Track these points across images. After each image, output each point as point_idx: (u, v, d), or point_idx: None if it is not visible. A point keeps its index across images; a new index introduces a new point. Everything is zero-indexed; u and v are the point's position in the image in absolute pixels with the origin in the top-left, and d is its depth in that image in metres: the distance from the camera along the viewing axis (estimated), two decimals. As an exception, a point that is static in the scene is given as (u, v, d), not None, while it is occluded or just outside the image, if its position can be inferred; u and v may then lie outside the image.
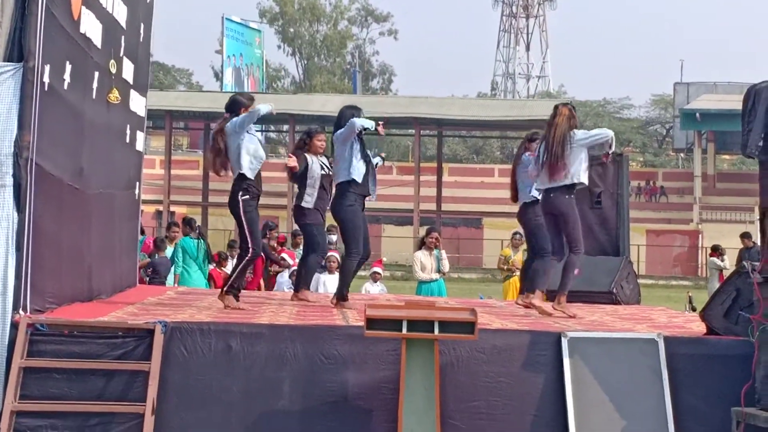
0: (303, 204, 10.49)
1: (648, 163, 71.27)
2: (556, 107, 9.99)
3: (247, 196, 9.19)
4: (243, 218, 9.16)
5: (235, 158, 9.19)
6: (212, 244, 16.84)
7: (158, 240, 15.74)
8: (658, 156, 74.77)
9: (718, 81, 60.83)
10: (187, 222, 16.11)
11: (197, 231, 15.61)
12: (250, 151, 9.17)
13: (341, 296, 9.88)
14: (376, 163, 10.19)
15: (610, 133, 10.03)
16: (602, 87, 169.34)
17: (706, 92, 58.19)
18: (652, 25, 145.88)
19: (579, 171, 9.74)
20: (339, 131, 9.84)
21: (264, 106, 9.21)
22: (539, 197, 10.19)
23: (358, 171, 9.77)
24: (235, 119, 9.21)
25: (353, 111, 9.94)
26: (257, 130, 10.00)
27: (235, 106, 9.33)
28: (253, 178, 9.20)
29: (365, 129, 9.75)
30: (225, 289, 9.33)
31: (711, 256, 22.46)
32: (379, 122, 9.93)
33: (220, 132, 9.25)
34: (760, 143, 7.88)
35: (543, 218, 10.15)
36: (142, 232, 15.34)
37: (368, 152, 9.98)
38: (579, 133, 9.79)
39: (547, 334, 7.89)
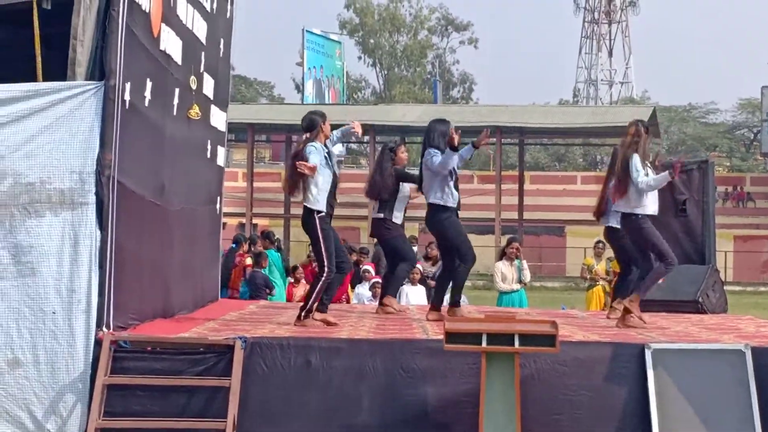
0: (394, 219, 10.62)
1: (735, 168, 70.00)
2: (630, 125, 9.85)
3: (322, 213, 9.10)
4: (319, 236, 9.07)
5: (304, 188, 9.10)
6: (295, 256, 16.95)
7: (256, 255, 15.68)
8: (745, 160, 73.40)
9: (807, 84, 59.63)
10: (266, 235, 16.19)
11: (276, 244, 15.68)
12: (318, 184, 9.05)
13: (455, 303, 10.08)
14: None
15: (657, 185, 9.64)
16: (687, 92, 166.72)
17: (795, 95, 57.02)
18: (737, 28, 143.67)
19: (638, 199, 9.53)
20: (437, 161, 9.76)
21: (314, 157, 9.06)
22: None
23: (452, 198, 9.92)
24: (309, 151, 9.03)
25: (443, 126, 9.91)
26: (341, 142, 10.09)
27: (313, 125, 9.28)
28: (323, 209, 9.14)
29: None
30: (302, 314, 9.10)
31: None
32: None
33: (297, 157, 9.14)
34: None
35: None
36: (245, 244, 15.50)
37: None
38: (636, 161, 9.52)
39: (631, 346, 7.77)
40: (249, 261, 15.61)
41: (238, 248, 16.12)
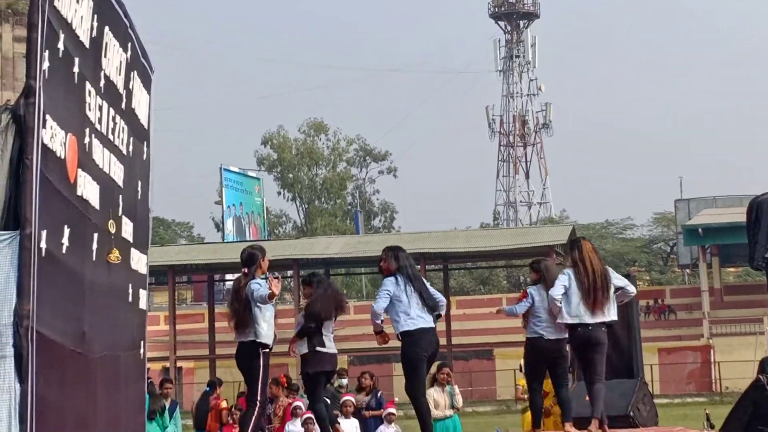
0: (326, 350, 10.53)
1: (655, 281, 71.14)
2: (576, 241, 10.23)
3: (267, 350, 9.35)
4: (260, 372, 9.23)
5: (252, 322, 9.21)
6: (227, 397, 16.73)
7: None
8: (664, 273, 74.70)
9: (717, 195, 61.25)
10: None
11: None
12: (266, 318, 9.24)
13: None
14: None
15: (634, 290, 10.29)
16: (604, 209, 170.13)
17: (707, 207, 58.51)
18: (648, 145, 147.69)
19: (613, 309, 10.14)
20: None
21: (263, 291, 9.19)
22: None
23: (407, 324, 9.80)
24: (254, 288, 9.21)
25: (395, 252, 9.90)
26: (262, 277, 10.00)
27: (252, 260, 9.36)
28: (270, 344, 9.33)
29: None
30: None
31: None
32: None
33: (240, 290, 9.25)
34: (767, 254, 7.84)
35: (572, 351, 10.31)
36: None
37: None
38: (612, 273, 10.03)
39: (569, 467, 7.69)
40: (224, 404, 15.38)
41: (212, 391, 15.86)
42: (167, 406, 15.20)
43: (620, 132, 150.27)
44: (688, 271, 69.36)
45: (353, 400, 14.86)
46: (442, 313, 10.12)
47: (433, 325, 9.86)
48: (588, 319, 10.18)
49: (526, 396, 17.57)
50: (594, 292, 10.07)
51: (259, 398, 9.21)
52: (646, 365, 15.69)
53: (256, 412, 9.24)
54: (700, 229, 53.75)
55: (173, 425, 15.01)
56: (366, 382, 15.30)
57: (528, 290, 10.71)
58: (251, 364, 9.26)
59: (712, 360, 50.82)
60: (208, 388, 16.26)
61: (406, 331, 9.64)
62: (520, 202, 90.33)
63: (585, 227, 74.25)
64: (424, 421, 9.79)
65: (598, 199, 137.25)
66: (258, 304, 9.30)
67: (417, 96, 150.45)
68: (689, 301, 58.42)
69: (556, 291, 10.10)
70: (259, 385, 9.22)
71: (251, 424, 9.33)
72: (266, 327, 9.20)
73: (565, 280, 10.13)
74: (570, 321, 10.21)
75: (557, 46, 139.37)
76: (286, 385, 14.53)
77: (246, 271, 9.32)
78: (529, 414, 17.28)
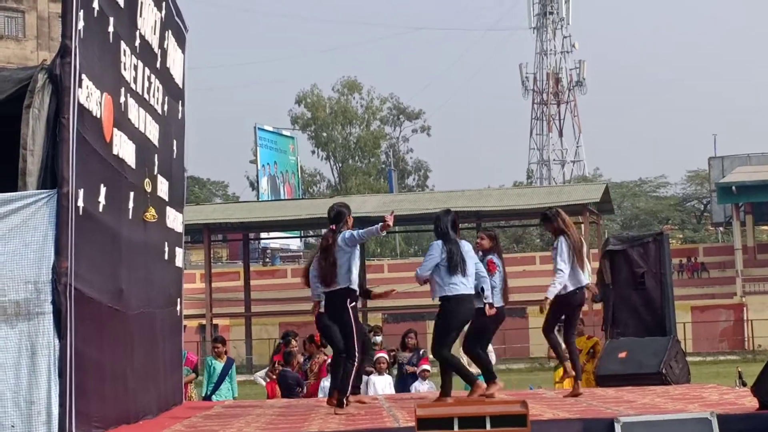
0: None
1: (688, 240, 70.83)
2: (555, 211, 10.88)
3: (354, 304, 9.58)
4: (353, 326, 9.49)
5: (344, 272, 9.49)
6: (258, 354, 16.79)
7: (286, 354, 15.43)
8: (697, 232, 74.34)
9: (751, 153, 60.73)
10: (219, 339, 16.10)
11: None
12: (357, 265, 9.54)
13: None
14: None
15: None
16: (637, 167, 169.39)
17: (741, 164, 58.05)
18: (682, 102, 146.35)
19: None
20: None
21: (377, 227, 9.51)
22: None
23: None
24: (347, 234, 9.50)
25: (447, 216, 10.02)
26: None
27: (340, 216, 9.70)
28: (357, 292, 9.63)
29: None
30: (342, 399, 9.50)
31: None
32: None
33: (329, 247, 9.47)
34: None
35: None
36: None
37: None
38: None
39: (600, 421, 7.78)
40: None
41: (289, 344, 15.84)
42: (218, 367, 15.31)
43: (654, 90, 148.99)
44: (721, 229, 69.01)
45: (387, 357, 14.98)
46: None
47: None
48: (583, 281, 10.78)
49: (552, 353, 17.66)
50: (581, 256, 10.67)
51: (354, 350, 9.49)
52: (679, 323, 15.69)
53: (353, 365, 9.52)
54: (733, 187, 53.39)
55: (227, 382, 15.17)
56: (411, 342, 15.48)
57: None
58: (342, 317, 9.55)
59: (745, 318, 50.73)
60: (282, 341, 16.26)
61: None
62: (554, 160, 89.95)
63: (618, 185, 73.96)
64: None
65: (632, 157, 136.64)
66: (357, 245, 9.58)
67: (450, 54, 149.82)
68: (722, 259, 58.18)
69: (567, 260, 10.49)
70: (353, 335, 9.49)
71: (351, 378, 9.60)
72: (355, 273, 9.52)
73: (566, 249, 10.51)
74: (571, 287, 10.68)
75: (591, 3, 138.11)
76: (319, 342, 14.60)
77: (334, 227, 9.67)
78: (561, 370, 17.40)
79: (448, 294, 9.75)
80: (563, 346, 11.21)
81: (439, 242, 9.86)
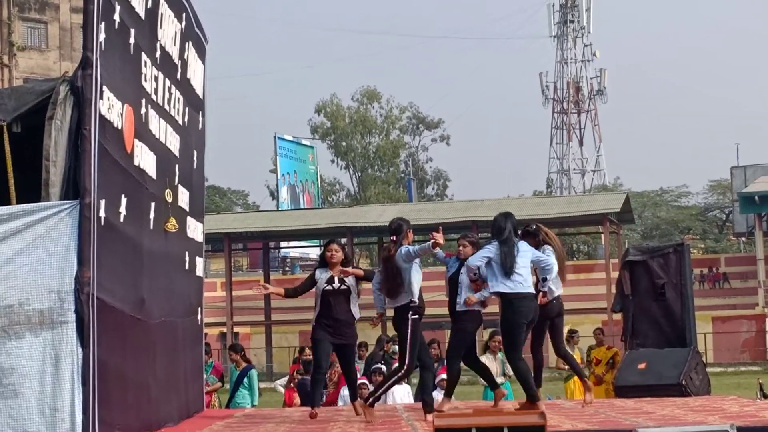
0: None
1: (709, 250, 70.49)
2: (535, 227, 10.94)
3: (417, 316, 9.80)
4: (410, 337, 9.76)
5: (406, 285, 9.70)
6: (278, 362, 16.80)
7: (305, 362, 15.48)
8: (719, 242, 73.99)
9: (774, 162, 60.41)
10: (235, 348, 16.08)
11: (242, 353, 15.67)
12: (418, 279, 9.76)
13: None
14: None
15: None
16: (658, 176, 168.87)
17: (764, 174, 57.70)
18: (704, 111, 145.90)
19: None
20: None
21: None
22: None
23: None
24: (404, 249, 9.73)
25: (507, 219, 10.15)
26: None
27: (400, 230, 9.93)
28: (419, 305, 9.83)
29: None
30: (371, 400, 9.93)
31: None
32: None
33: (391, 258, 9.74)
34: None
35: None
36: (209, 354, 15.29)
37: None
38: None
39: (619, 433, 7.77)
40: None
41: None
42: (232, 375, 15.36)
43: (675, 99, 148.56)
44: (743, 239, 68.67)
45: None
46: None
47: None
48: (559, 293, 10.86)
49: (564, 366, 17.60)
50: (563, 267, 10.74)
51: (406, 362, 9.75)
52: (700, 334, 15.65)
53: (399, 374, 9.85)
54: (756, 197, 53.12)
55: (245, 389, 15.18)
56: (434, 352, 15.49)
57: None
58: (401, 329, 9.83)
59: (767, 329, 50.38)
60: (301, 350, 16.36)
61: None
62: (574, 169, 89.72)
63: (639, 195, 73.69)
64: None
65: (653, 166, 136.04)
66: (414, 260, 9.76)
67: (470, 63, 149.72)
68: (744, 269, 57.82)
69: (555, 265, 10.42)
70: (408, 348, 9.73)
71: (389, 382, 10.05)
72: (416, 287, 9.74)
73: (553, 255, 10.55)
74: (557, 292, 10.78)
75: (612, 11, 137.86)
76: None
77: (394, 239, 9.89)
78: (571, 382, 17.34)
79: (503, 291, 9.90)
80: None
81: (495, 243, 9.99)
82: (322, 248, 10.84)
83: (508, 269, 9.79)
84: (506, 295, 9.82)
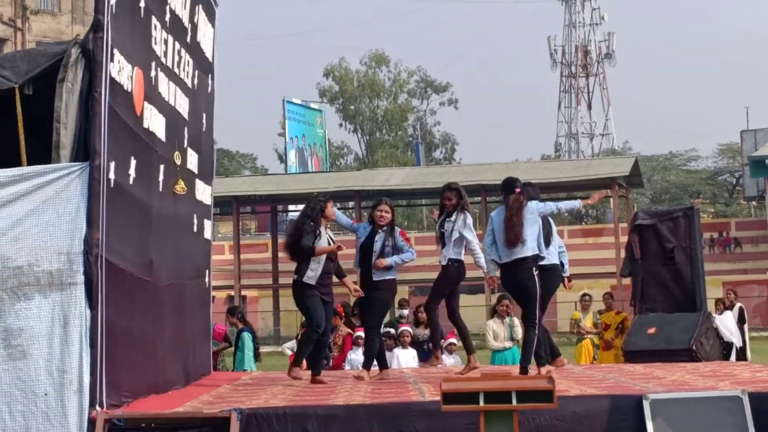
0: (305, 280, 10.30)
1: (720, 214, 70.29)
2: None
3: (538, 272, 9.76)
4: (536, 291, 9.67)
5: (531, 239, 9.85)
6: (285, 325, 16.84)
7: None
8: (729, 206, 73.75)
9: (785, 126, 60.15)
10: (233, 311, 16.07)
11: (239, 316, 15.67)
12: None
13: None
14: None
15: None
16: (667, 140, 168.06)
17: (774, 138, 57.48)
18: (714, 74, 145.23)
19: None
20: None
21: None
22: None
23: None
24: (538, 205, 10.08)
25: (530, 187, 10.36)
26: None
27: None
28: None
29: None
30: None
31: None
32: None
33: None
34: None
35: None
36: None
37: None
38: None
39: (628, 398, 7.76)
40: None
41: None
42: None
43: (685, 63, 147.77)
44: (754, 203, 68.44)
45: (411, 330, 14.98)
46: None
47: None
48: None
49: (576, 330, 17.60)
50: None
51: (537, 318, 9.68)
52: (710, 299, 15.58)
53: (536, 333, 9.64)
54: (766, 161, 52.93)
55: (240, 352, 15.19)
56: (422, 317, 15.32)
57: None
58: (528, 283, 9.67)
59: (778, 293, 50.33)
60: None
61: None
62: (582, 133, 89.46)
63: (648, 159, 73.44)
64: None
65: (662, 130, 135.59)
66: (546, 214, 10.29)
67: (478, 27, 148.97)
68: (755, 233, 57.70)
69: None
70: (537, 304, 9.66)
71: (533, 343, 9.74)
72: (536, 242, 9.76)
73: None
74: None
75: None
76: (343, 314, 14.55)
77: (518, 190, 9.98)
78: (581, 345, 17.34)
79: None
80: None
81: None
82: (324, 202, 10.32)
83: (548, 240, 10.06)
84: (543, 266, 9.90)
